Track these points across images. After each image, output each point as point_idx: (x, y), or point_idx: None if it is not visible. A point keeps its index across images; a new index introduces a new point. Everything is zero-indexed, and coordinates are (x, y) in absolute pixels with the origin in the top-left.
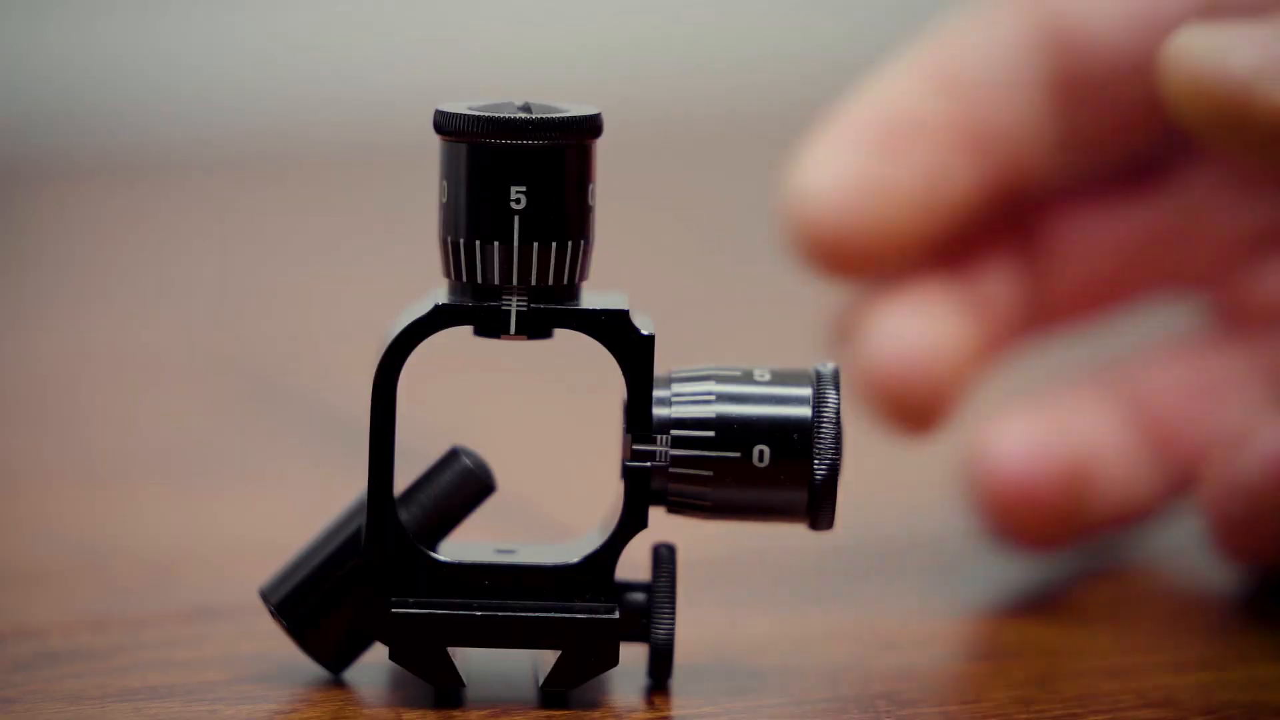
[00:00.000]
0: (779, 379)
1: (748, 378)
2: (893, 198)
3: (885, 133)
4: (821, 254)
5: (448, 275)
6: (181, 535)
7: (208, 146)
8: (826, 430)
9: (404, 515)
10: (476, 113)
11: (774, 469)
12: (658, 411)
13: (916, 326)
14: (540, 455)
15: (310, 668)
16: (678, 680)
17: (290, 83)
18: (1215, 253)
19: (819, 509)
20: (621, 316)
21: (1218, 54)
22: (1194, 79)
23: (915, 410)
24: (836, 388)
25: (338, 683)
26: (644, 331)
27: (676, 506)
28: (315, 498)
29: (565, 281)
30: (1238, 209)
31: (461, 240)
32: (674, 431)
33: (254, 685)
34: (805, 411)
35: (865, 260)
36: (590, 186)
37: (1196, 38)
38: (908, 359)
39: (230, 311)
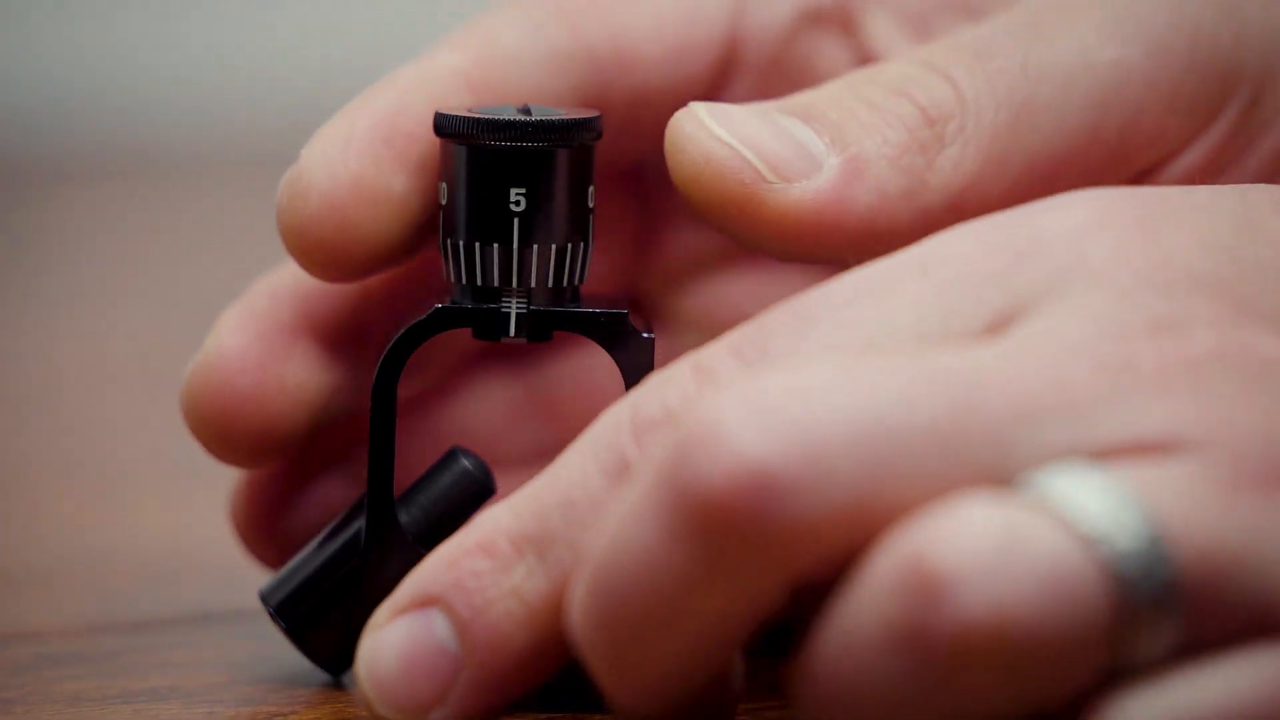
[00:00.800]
0: None
1: None
2: (386, 207)
3: (391, 134)
4: (312, 259)
5: (447, 278)
6: (181, 537)
7: (216, 146)
8: None
9: (404, 517)
10: (476, 115)
11: None
12: None
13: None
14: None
15: (310, 670)
16: None
17: (303, 83)
18: (670, 265)
19: None
20: (621, 318)
21: (726, 146)
22: (701, 164)
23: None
24: None
25: (337, 685)
26: (644, 334)
27: None
28: None
29: (565, 284)
30: (695, 228)
31: (461, 242)
32: None
33: (253, 687)
34: None
35: (359, 266)
36: (590, 189)
37: (705, 120)
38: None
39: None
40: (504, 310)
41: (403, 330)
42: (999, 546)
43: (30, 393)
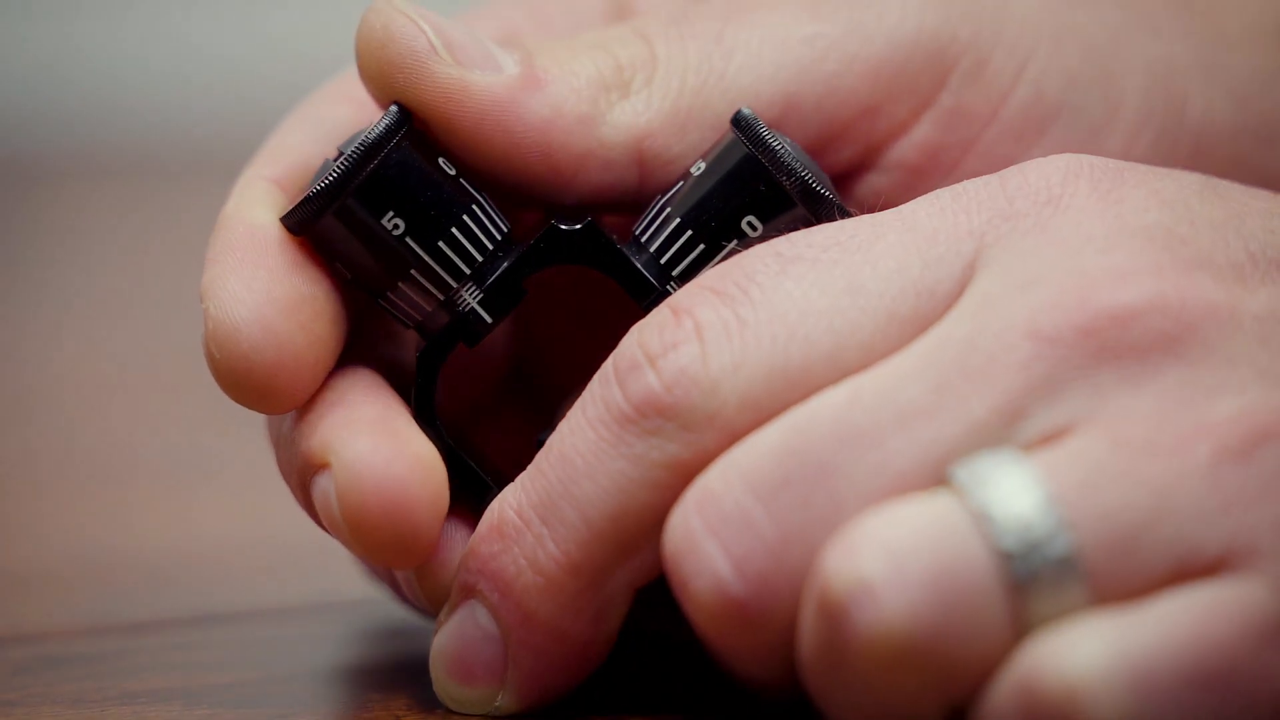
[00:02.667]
0: (711, 159)
1: (687, 178)
2: (305, 310)
3: (263, 251)
4: (263, 392)
5: (408, 327)
6: (181, 538)
7: (216, 146)
8: (780, 154)
9: None
10: (306, 194)
11: (770, 228)
12: (644, 266)
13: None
14: None
15: (309, 673)
16: (679, 681)
17: (305, 83)
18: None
19: (819, 215)
20: (552, 231)
21: (408, 19)
22: (378, 30)
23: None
24: (759, 122)
25: (337, 686)
26: (576, 225)
27: None
28: None
29: (492, 246)
30: None
31: (388, 293)
32: (673, 271)
33: (253, 688)
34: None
35: (306, 380)
36: (440, 160)
37: (396, 2)
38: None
39: None
40: (465, 310)
41: (414, 400)
42: (887, 559)
43: (31, 393)
